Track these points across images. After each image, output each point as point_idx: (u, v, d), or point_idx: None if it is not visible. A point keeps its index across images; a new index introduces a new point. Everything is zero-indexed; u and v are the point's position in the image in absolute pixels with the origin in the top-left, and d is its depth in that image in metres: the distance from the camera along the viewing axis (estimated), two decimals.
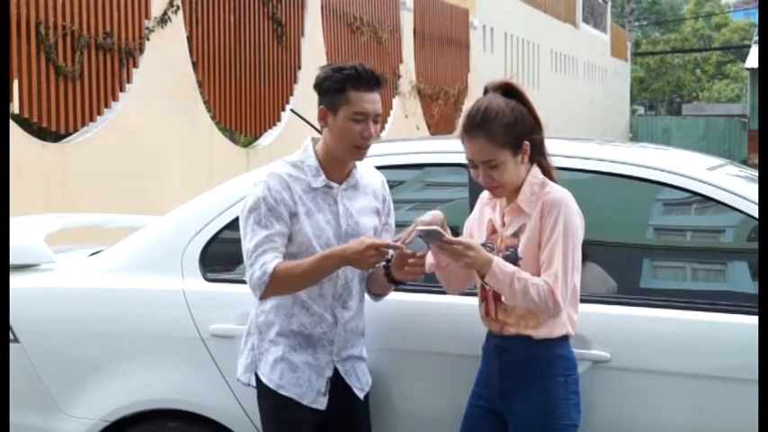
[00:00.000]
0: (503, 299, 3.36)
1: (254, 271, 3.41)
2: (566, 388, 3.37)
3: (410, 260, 3.39)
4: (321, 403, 3.53)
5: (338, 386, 3.56)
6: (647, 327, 3.55)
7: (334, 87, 3.44)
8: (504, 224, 3.42)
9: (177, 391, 3.88)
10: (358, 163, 3.56)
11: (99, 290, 4.05)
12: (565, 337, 3.40)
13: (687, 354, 3.50)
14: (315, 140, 3.58)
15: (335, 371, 3.55)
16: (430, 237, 3.29)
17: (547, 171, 3.44)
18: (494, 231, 3.44)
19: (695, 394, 3.48)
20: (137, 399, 3.90)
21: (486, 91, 3.47)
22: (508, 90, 3.44)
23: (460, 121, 3.49)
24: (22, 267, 4.11)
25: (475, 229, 3.51)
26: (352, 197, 3.54)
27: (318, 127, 3.59)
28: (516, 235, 3.38)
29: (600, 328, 3.55)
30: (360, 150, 3.48)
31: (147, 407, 3.90)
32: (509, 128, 3.35)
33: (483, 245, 3.39)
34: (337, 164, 3.52)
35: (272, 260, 3.40)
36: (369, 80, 3.45)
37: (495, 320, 3.42)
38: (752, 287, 3.58)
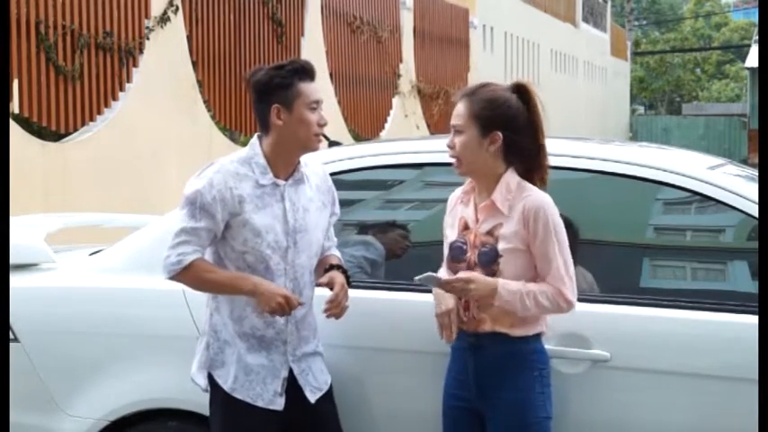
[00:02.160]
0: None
1: (170, 254, 3.49)
2: (540, 381, 3.41)
3: (324, 307, 3.51)
4: (278, 404, 3.53)
5: (297, 386, 3.56)
6: (647, 326, 3.55)
7: (283, 83, 3.51)
8: (477, 220, 3.44)
9: (177, 390, 3.87)
10: (301, 157, 3.61)
11: (99, 289, 4.04)
12: (539, 333, 3.43)
13: (687, 353, 3.50)
14: (261, 137, 3.61)
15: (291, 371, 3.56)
16: (428, 282, 3.38)
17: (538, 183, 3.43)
18: (466, 228, 3.46)
19: (695, 394, 3.48)
20: (137, 398, 3.90)
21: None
22: (521, 90, 3.46)
23: None
24: (22, 267, 4.11)
25: (449, 229, 3.53)
26: (298, 192, 3.58)
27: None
28: (491, 233, 3.39)
29: (600, 327, 3.55)
30: (318, 138, 3.56)
31: (147, 406, 3.89)
32: (489, 106, 3.40)
33: (455, 242, 3.43)
34: (287, 160, 3.57)
35: (191, 253, 3.47)
36: (311, 71, 3.56)
37: (472, 318, 3.43)
38: (752, 286, 3.58)
